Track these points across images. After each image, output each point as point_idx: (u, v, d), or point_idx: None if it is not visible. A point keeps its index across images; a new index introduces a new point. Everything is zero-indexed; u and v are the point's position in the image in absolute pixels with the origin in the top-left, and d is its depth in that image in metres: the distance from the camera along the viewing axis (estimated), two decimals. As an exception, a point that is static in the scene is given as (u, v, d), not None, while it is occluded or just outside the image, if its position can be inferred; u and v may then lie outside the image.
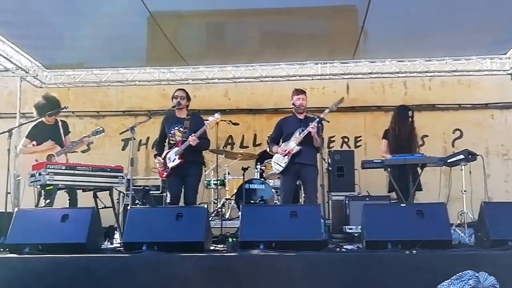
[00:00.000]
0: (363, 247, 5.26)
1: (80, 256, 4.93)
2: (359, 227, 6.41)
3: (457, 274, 4.32)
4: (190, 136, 6.23)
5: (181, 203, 6.43)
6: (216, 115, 6.50)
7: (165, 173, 6.38)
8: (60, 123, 6.68)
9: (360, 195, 7.67)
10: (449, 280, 4.32)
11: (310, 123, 6.26)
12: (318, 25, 8.24)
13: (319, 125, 6.22)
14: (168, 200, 6.61)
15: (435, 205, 5.35)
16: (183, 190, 6.41)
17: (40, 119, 6.73)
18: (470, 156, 6.36)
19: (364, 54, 8.94)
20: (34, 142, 6.68)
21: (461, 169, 6.40)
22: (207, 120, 6.47)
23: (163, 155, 6.43)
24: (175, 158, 6.29)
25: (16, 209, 5.64)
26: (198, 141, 6.26)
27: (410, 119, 7.10)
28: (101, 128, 6.65)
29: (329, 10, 7.67)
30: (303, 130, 6.31)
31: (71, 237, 5.14)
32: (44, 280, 4.79)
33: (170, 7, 7.43)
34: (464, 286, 4.23)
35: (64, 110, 6.86)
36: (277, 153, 6.52)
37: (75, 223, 5.25)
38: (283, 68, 9.31)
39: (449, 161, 6.48)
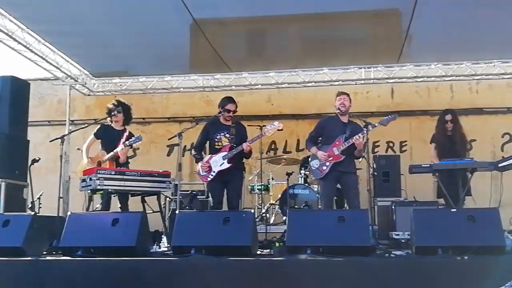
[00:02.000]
0: (412, 252, 5.17)
1: (130, 259, 5.01)
2: (406, 233, 6.32)
3: (511, 281, 4.21)
4: (244, 143, 6.28)
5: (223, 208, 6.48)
6: (276, 123, 6.42)
7: (210, 177, 6.38)
8: (126, 133, 6.68)
9: (407, 201, 7.56)
10: (503, 286, 4.21)
11: (355, 132, 6.12)
12: (361, 29, 8.19)
13: (366, 132, 6.11)
14: (211, 205, 6.66)
15: (488, 210, 5.23)
16: (225, 195, 6.46)
17: (107, 122, 6.88)
18: (522, 161, 6.18)
19: (409, 58, 8.85)
20: (98, 141, 6.80)
21: (513, 174, 6.22)
22: (266, 127, 6.48)
23: (205, 159, 6.45)
24: (223, 162, 6.31)
25: (68, 213, 5.76)
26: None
27: (449, 123, 6.96)
28: (139, 137, 6.59)
29: (372, 14, 7.63)
30: (347, 138, 6.17)
31: (122, 240, 5.21)
32: (96, 282, 4.88)
33: (214, 15, 7.53)
34: (519, 293, 4.13)
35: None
36: (315, 155, 6.40)
37: (125, 227, 5.33)
38: (326, 73, 9.31)
39: (500, 165, 6.30)
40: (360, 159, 6.61)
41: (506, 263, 4.59)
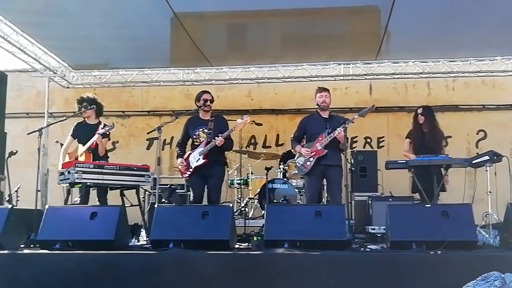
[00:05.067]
0: (387, 247, 5.27)
1: (109, 252, 5.03)
2: (382, 227, 6.43)
3: (483, 275, 4.30)
4: (216, 137, 6.26)
5: (204, 202, 6.49)
6: (245, 117, 6.46)
7: (187, 173, 6.42)
8: (101, 125, 6.70)
9: (383, 196, 7.68)
10: (475, 281, 4.31)
11: (337, 126, 6.19)
12: (340, 25, 8.28)
13: (344, 128, 6.19)
14: (191, 199, 6.68)
15: (461, 206, 5.33)
16: (205, 189, 6.47)
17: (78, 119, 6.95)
18: (495, 157, 6.29)
19: (387, 55, 8.94)
20: (75, 140, 6.81)
21: (486, 170, 6.33)
22: (236, 121, 6.45)
23: (185, 156, 6.48)
24: (199, 158, 6.33)
25: (46, 206, 5.74)
26: (224, 142, 6.31)
27: (420, 116, 7.10)
28: (112, 124, 6.60)
29: (351, 10, 7.71)
30: (329, 133, 6.25)
31: (100, 234, 5.23)
32: (73, 276, 4.88)
33: (194, 8, 7.52)
34: (490, 287, 4.23)
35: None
36: (300, 153, 6.49)
37: (103, 221, 5.34)
38: (305, 69, 9.36)
39: (474, 162, 6.43)
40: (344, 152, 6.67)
41: (477, 258, 4.72)
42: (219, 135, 6.30)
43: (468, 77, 9.34)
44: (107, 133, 6.58)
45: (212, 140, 6.33)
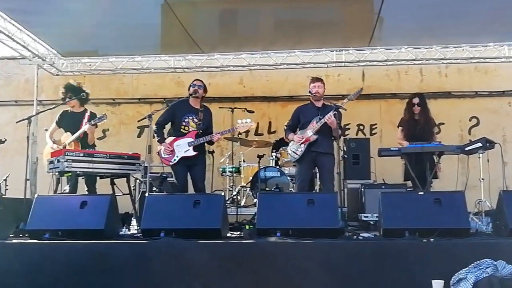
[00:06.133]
0: (380, 235, 5.26)
1: (99, 242, 4.99)
2: (375, 215, 6.42)
3: (475, 263, 4.32)
4: (215, 135, 6.36)
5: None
6: (249, 121, 6.48)
7: (172, 162, 6.35)
8: (88, 113, 6.70)
9: (375, 183, 7.67)
10: (467, 268, 4.32)
11: (328, 112, 6.20)
12: (333, 11, 8.19)
13: (336, 112, 6.17)
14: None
15: (454, 194, 5.32)
16: (189, 178, 6.46)
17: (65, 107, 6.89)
18: (488, 144, 6.29)
19: (380, 41, 8.87)
20: (61, 128, 6.80)
21: (479, 157, 6.33)
22: (238, 122, 6.51)
23: (169, 141, 6.39)
24: (189, 149, 6.29)
25: (36, 195, 5.68)
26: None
27: (416, 106, 7.04)
28: (104, 115, 6.59)
29: (344, -4, 7.64)
30: (320, 119, 6.24)
31: (90, 223, 5.19)
32: (63, 266, 4.86)
33: (185, -6, 7.43)
34: (482, 274, 4.23)
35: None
36: (293, 141, 6.48)
37: (93, 210, 5.30)
38: (298, 56, 9.28)
39: (467, 149, 6.42)
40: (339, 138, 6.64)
41: (470, 245, 4.72)
42: (217, 132, 6.39)
43: (461, 63, 9.30)
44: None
45: (200, 131, 6.37)
